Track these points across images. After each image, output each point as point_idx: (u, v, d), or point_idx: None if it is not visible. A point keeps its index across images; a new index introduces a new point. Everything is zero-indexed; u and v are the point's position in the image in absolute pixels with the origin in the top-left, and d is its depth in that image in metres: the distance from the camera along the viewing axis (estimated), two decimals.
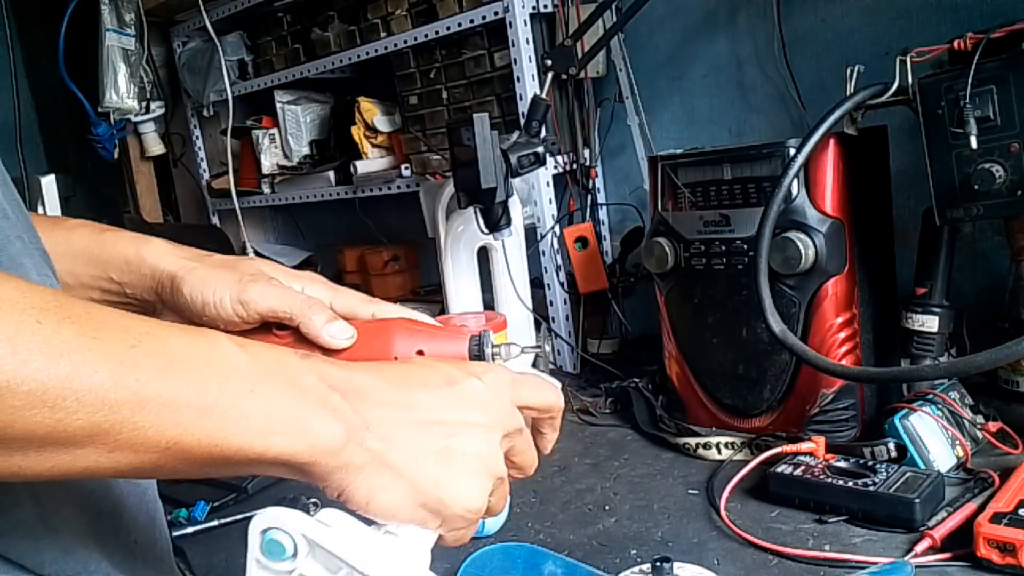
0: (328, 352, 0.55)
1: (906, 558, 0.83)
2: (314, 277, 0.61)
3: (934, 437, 1.03)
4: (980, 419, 1.08)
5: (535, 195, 1.69)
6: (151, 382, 0.39)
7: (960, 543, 0.83)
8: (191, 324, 0.58)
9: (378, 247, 2.33)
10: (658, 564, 0.82)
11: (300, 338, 0.56)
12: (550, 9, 1.70)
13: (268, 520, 0.44)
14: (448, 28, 1.76)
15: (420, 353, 0.55)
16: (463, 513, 0.47)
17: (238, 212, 2.47)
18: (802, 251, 1.10)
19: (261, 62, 2.36)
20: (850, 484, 0.95)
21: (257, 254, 2.47)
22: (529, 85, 1.66)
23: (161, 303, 0.60)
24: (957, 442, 1.03)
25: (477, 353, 0.56)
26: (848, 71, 1.12)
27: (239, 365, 0.42)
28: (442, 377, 0.49)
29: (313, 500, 1.01)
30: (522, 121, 1.51)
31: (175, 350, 0.41)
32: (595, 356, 1.68)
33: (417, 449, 0.46)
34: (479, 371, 0.51)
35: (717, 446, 1.18)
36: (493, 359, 0.56)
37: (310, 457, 0.43)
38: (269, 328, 0.57)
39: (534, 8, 1.68)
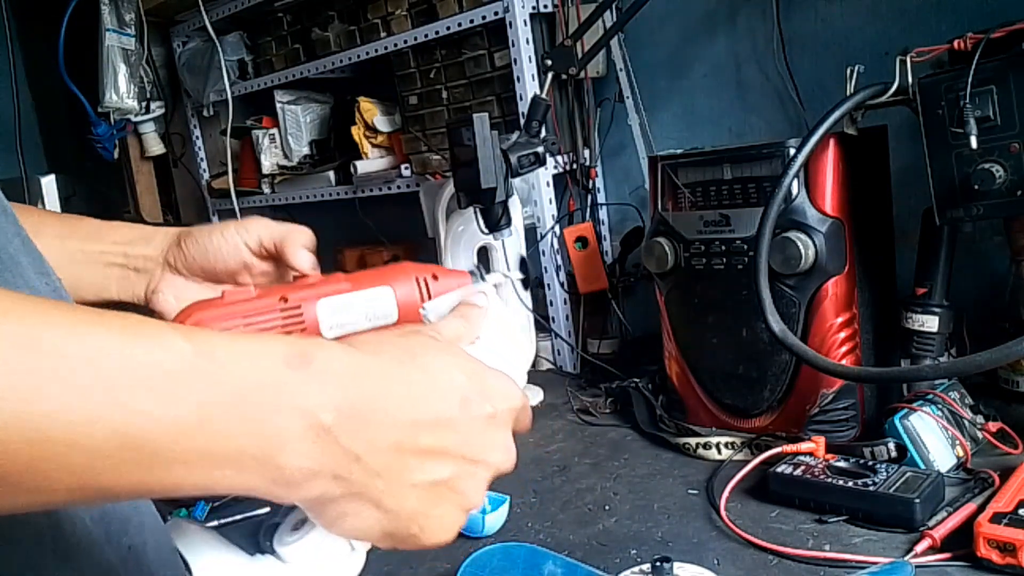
0: (300, 277, 0.67)
1: (906, 558, 0.83)
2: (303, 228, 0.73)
3: (934, 437, 1.03)
4: (980, 419, 1.08)
5: (535, 195, 1.69)
6: (44, 419, 0.30)
7: (960, 543, 0.83)
8: (199, 279, 0.72)
9: (378, 247, 2.33)
10: (658, 564, 0.82)
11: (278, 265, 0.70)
12: (550, 9, 1.70)
13: None
14: (448, 28, 1.76)
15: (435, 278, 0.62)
16: (430, 547, 0.43)
17: (238, 212, 2.47)
18: (802, 251, 1.10)
19: (261, 62, 2.36)
20: (850, 484, 0.95)
21: None
22: (529, 85, 1.66)
23: (167, 265, 0.70)
24: (957, 442, 1.03)
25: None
26: (848, 71, 1.12)
27: (186, 380, 0.34)
28: (458, 394, 0.43)
29: None
30: (522, 121, 1.51)
31: (100, 359, 0.31)
32: (595, 356, 1.68)
33: (408, 483, 0.41)
34: (496, 394, 0.45)
35: (717, 446, 1.18)
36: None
37: (267, 493, 0.37)
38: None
39: (534, 8, 1.68)
